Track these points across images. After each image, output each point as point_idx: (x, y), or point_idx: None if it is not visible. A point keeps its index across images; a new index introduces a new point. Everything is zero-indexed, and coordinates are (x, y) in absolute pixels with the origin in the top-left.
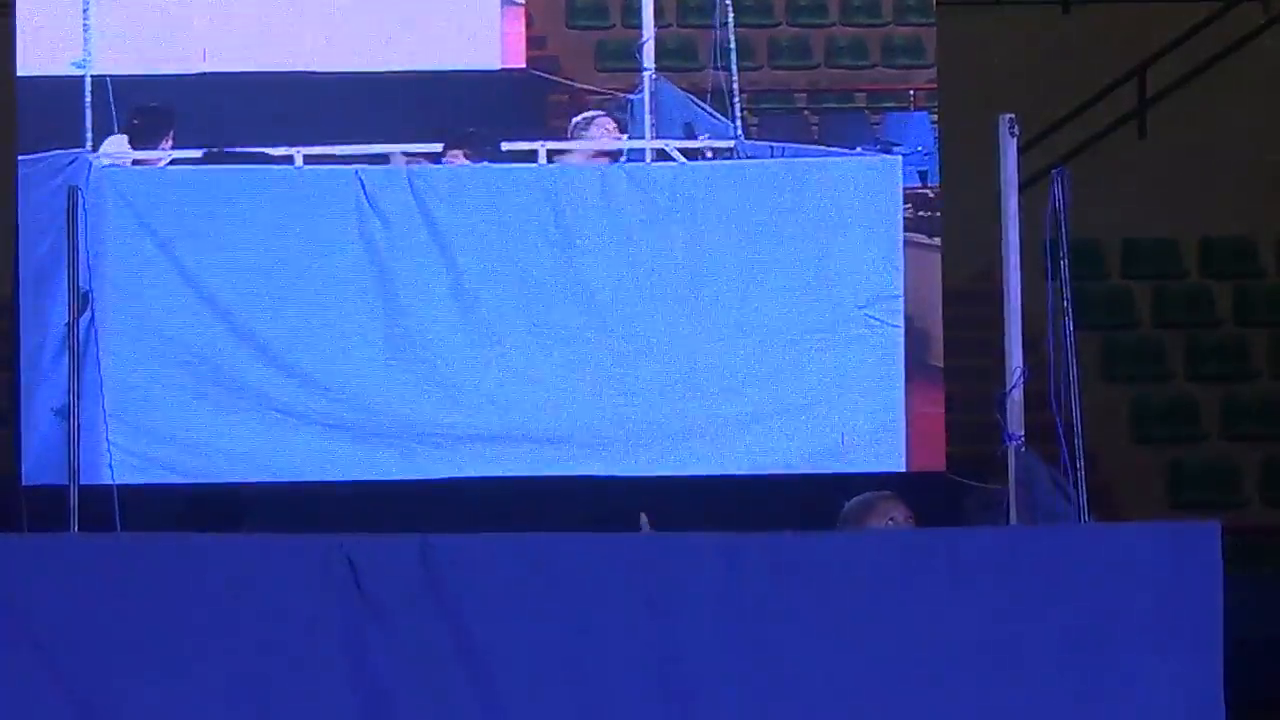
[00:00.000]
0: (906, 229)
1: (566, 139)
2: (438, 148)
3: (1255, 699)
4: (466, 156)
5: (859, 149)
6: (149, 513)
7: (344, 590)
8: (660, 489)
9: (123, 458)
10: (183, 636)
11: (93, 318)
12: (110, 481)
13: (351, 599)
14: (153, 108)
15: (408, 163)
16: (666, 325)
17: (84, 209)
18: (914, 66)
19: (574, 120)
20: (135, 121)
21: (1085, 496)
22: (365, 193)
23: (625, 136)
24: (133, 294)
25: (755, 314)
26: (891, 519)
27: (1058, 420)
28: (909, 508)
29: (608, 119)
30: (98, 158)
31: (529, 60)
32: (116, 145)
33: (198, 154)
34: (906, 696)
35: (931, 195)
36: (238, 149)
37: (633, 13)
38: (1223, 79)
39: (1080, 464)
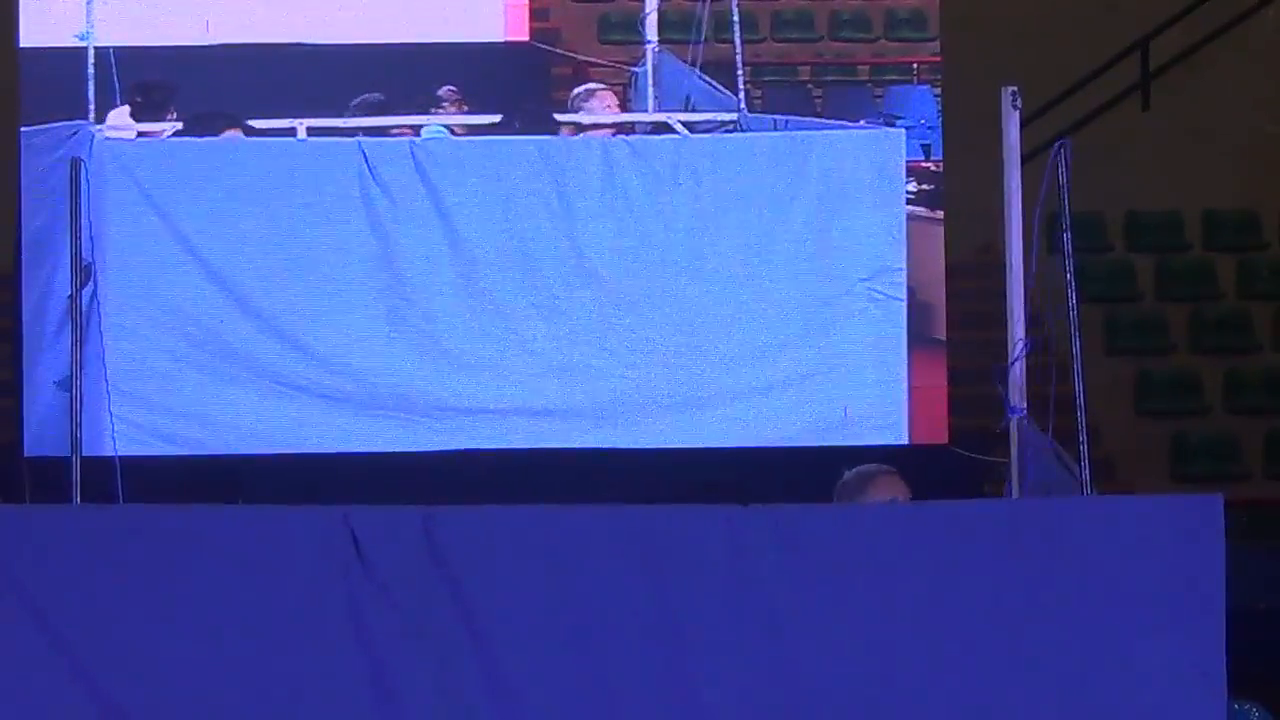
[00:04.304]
0: (909, 202)
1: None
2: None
3: (1257, 671)
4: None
5: (862, 122)
6: (151, 484)
7: (347, 562)
8: (662, 461)
9: (125, 429)
10: (185, 608)
11: (95, 290)
12: (113, 453)
13: (354, 571)
14: (153, 82)
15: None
16: (668, 298)
17: (86, 180)
18: (917, 40)
19: (574, 92)
20: (137, 99)
21: (1088, 469)
22: (368, 164)
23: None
24: (135, 266)
25: (758, 287)
26: (891, 500)
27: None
28: (908, 485)
29: (608, 92)
30: (100, 129)
31: (532, 32)
32: (119, 118)
33: (200, 127)
34: (907, 669)
35: (934, 168)
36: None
37: None
38: (1226, 51)
39: (1083, 437)
